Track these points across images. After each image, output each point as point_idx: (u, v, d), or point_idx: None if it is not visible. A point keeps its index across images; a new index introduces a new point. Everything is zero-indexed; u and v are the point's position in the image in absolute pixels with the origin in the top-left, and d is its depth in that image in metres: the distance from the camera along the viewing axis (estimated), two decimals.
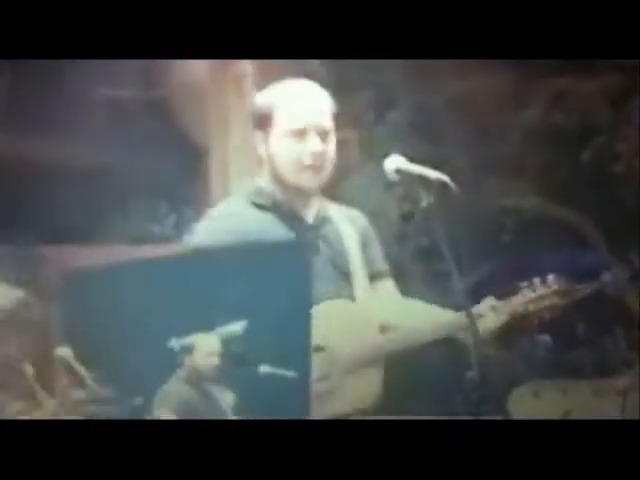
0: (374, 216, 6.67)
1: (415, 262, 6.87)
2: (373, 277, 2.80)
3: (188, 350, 2.13)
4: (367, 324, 2.67)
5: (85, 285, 2.11)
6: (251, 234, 2.62)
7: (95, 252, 2.22)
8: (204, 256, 2.23)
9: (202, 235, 2.69)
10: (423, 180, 2.54)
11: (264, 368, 2.15)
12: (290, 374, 2.15)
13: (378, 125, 6.68)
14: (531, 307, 2.67)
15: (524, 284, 2.67)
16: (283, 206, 2.72)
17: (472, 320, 2.43)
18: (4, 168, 5.46)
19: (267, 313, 2.16)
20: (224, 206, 2.80)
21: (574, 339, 7.32)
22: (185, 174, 6.43)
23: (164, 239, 6.71)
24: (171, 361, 2.12)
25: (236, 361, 2.14)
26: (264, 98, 2.72)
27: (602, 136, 6.50)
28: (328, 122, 2.69)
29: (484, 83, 6.10)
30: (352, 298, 2.70)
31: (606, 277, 7.08)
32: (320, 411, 2.53)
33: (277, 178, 2.72)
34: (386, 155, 2.68)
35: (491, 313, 2.63)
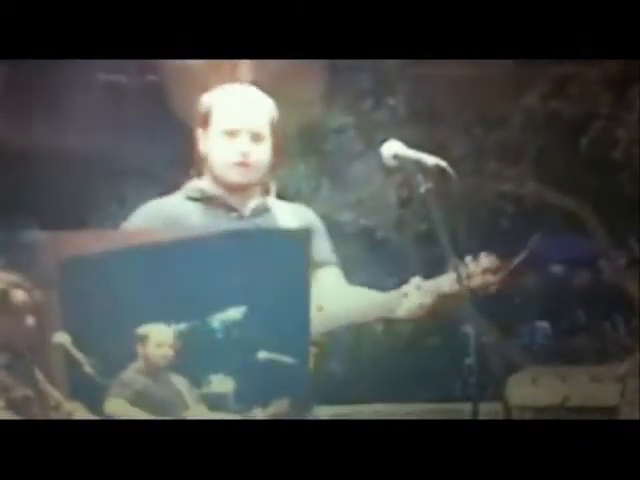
0: (373, 202, 6.71)
1: (414, 247, 6.88)
2: (315, 265, 2.73)
3: (141, 340, 2.14)
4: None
5: (82, 271, 2.10)
6: (179, 221, 2.66)
7: (92, 239, 2.21)
8: (202, 243, 2.22)
9: (133, 221, 2.70)
10: (421, 166, 2.51)
11: (262, 354, 2.15)
12: (289, 360, 2.15)
13: (376, 111, 6.68)
14: (458, 287, 2.53)
15: (452, 264, 2.53)
16: (217, 199, 2.76)
17: (469, 303, 2.40)
18: (0, 154, 5.46)
19: (265, 300, 2.15)
20: (160, 199, 2.84)
21: (573, 326, 7.33)
22: (180, 160, 6.42)
23: None
24: None
25: (235, 347, 2.14)
26: (206, 98, 2.80)
27: (601, 122, 6.50)
28: (263, 126, 2.73)
29: (483, 69, 6.09)
30: None
31: (603, 263, 7.09)
32: None
33: (212, 174, 2.78)
34: (384, 141, 2.67)
35: (416, 292, 2.58)
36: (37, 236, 2.11)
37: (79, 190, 6.05)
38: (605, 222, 6.90)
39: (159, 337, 2.15)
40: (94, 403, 2.11)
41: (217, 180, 2.75)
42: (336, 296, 2.73)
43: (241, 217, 2.73)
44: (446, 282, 2.56)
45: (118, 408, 2.14)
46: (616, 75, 6.29)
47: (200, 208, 2.73)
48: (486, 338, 2.44)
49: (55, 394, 2.08)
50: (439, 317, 2.65)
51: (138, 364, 2.15)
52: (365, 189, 6.60)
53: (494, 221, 6.94)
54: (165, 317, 2.14)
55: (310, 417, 2.21)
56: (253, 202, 2.77)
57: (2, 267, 2.07)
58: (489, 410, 2.36)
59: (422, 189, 2.49)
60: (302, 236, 2.29)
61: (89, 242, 2.15)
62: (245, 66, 4.86)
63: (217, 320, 2.14)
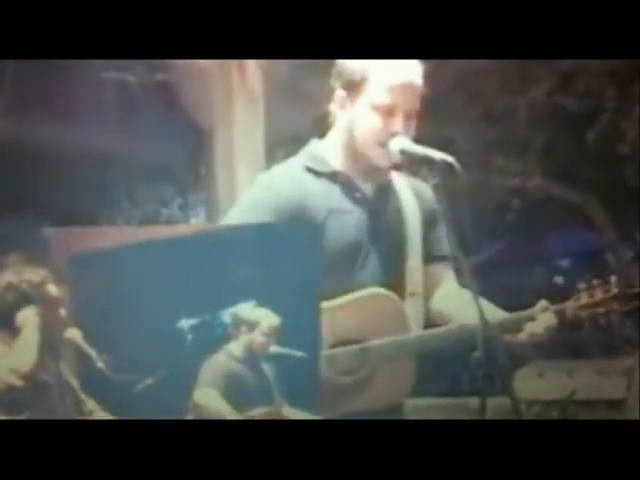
0: None
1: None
2: (430, 260, 2.64)
3: (249, 325, 2.12)
4: (410, 316, 2.58)
5: (93, 266, 2.10)
6: (303, 204, 2.49)
7: (103, 234, 2.21)
8: (212, 237, 2.22)
9: (251, 196, 2.56)
10: (428, 161, 2.45)
11: (273, 348, 2.16)
12: (299, 354, 2.16)
13: None
14: (584, 313, 2.55)
15: (582, 286, 2.56)
16: (341, 175, 2.57)
17: (477, 302, 2.38)
18: (13, 153, 5.48)
19: (276, 294, 2.14)
20: (278, 174, 2.60)
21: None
22: (191, 157, 6.45)
23: (171, 222, 6.74)
24: (180, 341, 2.11)
25: None
26: (360, 63, 2.56)
27: (607, 116, 6.50)
28: (416, 103, 2.54)
29: (489, 64, 6.09)
30: (401, 284, 2.60)
31: (610, 256, 7.08)
32: (351, 406, 2.49)
33: (351, 146, 2.57)
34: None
35: (541, 316, 2.54)
36: (48, 232, 2.12)
37: (90, 188, 6.07)
38: (612, 215, 6.91)
39: (269, 324, 2.13)
40: (105, 399, 2.09)
41: (354, 152, 2.57)
42: (448, 303, 2.64)
43: (364, 198, 2.59)
44: (571, 307, 2.56)
45: (208, 398, 2.12)
46: (622, 69, 6.28)
47: (322, 185, 2.57)
48: (493, 332, 2.44)
49: (75, 389, 2.10)
50: (557, 342, 2.63)
51: (233, 348, 2.14)
52: None
53: (501, 215, 6.96)
54: (175, 311, 2.14)
55: (310, 417, 2.19)
56: (378, 179, 2.61)
57: (29, 261, 2.08)
58: (496, 404, 2.35)
59: (429, 184, 2.48)
60: (314, 229, 2.28)
61: (99, 238, 2.15)
62: (252, 63, 4.88)
63: (228, 314, 2.15)
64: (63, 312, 2.07)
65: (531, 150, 6.82)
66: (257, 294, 2.15)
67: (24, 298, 2.05)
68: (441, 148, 2.55)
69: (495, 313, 2.49)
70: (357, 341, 2.52)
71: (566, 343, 6.82)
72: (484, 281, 2.58)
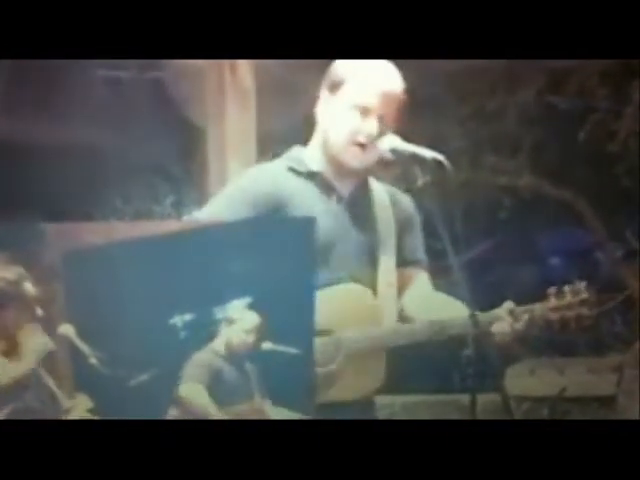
0: None
1: None
2: (404, 264, 2.69)
3: (228, 322, 2.14)
4: (383, 313, 2.62)
5: (87, 262, 2.10)
6: (280, 200, 2.54)
7: (95, 231, 2.20)
8: (206, 233, 2.22)
9: (223, 205, 2.59)
10: (418, 159, 2.48)
11: (267, 345, 2.17)
12: (293, 351, 2.16)
13: None
14: (553, 315, 2.58)
15: (552, 290, 2.57)
16: (320, 176, 2.62)
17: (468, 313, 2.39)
18: (5, 149, 5.47)
19: (270, 291, 2.16)
20: (261, 171, 2.67)
21: None
22: (183, 155, 6.46)
23: (164, 219, 6.72)
24: (174, 337, 2.12)
25: None
26: (343, 65, 2.61)
27: (598, 115, 6.51)
28: (392, 110, 2.58)
29: (480, 62, 6.11)
30: (373, 284, 2.64)
31: (600, 255, 7.11)
32: (320, 398, 2.44)
33: (326, 145, 2.62)
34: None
35: (508, 317, 2.55)
36: (41, 228, 2.12)
37: (82, 186, 6.07)
38: (602, 214, 6.93)
39: (248, 322, 2.15)
40: (98, 395, 2.11)
41: (328, 153, 2.63)
42: (422, 306, 2.67)
43: (340, 199, 2.64)
44: (539, 310, 2.58)
45: (193, 392, 2.14)
46: (614, 68, 6.30)
47: (301, 184, 2.62)
48: (484, 329, 2.45)
49: (55, 390, 2.10)
50: (525, 344, 2.65)
51: (218, 346, 2.16)
52: None
53: (491, 213, 6.97)
54: (169, 307, 2.15)
55: (310, 417, 2.20)
56: (354, 182, 2.66)
57: (9, 260, 2.08)
58: (487, 401, 2.37)
59: (419, 182, 2.49)
60: (307, 225, 2.29)
61: (92, 234, 2.15)
62: (244, 60, 4.88)
63: (221, 312, 2.16)
64: (39, 312, 2.08)
65: (522, 149, 6.84)
66: (252, 290, 2.16)
67: (2, 296, 2.06)
68: (432, 146, 2.57)
69: (465, 312, 2.47)
70: (329, 332, 2.54)
71: (556, 341, 6.85)
72: (474, 278, 2.61)
